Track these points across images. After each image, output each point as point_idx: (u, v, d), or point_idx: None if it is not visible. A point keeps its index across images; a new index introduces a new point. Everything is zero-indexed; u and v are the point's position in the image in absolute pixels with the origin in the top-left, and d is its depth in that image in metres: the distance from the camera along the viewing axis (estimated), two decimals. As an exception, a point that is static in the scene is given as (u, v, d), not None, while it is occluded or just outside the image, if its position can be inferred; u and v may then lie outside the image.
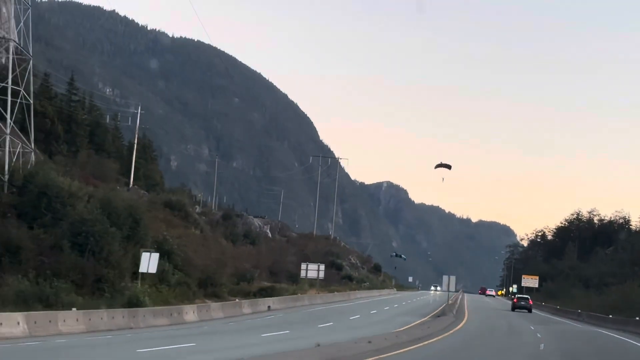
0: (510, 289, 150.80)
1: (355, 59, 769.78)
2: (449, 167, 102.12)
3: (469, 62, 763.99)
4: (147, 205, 66.15)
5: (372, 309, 59.57)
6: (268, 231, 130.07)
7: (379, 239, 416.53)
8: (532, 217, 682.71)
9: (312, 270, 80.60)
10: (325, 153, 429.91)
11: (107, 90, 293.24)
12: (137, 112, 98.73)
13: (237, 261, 71.88)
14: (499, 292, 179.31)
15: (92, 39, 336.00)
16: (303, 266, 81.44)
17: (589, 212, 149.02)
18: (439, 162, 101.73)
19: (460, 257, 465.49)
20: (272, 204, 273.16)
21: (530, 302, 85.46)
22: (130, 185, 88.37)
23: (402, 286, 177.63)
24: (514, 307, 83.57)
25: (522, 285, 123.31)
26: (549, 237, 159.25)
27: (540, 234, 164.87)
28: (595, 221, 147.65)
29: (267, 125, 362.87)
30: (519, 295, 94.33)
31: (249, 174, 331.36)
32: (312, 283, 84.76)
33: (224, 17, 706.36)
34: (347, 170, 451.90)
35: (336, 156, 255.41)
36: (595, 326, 60.04)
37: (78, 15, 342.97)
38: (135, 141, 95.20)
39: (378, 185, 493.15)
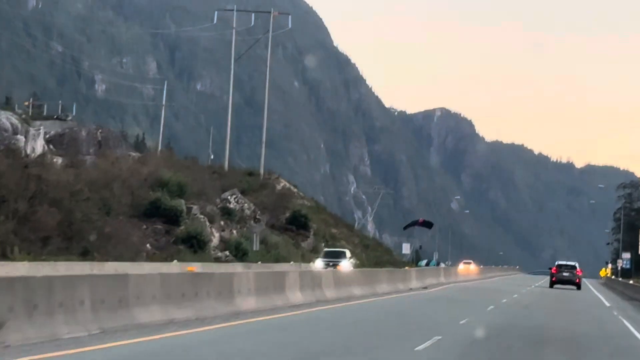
0: (619, 261, 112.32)
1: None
2: (429, 225, 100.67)
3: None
4: None
5: None
6: (34, 140, 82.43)
7: (430, 198, 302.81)
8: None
9: None
10: (342, 63, 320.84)
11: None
12: None
13: None
14: (602, 272, 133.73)
15: None
16: None
17: None
18: (414, 220, 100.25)
19: (559, 222, 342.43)
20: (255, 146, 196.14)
21: (579, 272, 65.07)
22: None
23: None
24: (553, 283, 63.49)
25: None
26: None
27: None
28: None
29: (249, 28, 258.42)
30: (560, 263, 67.52)
31: (222, 99, 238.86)
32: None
33: None
34: (376, 92, 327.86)
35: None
36: None
37: None
38: None
39: (427, 115, 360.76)
